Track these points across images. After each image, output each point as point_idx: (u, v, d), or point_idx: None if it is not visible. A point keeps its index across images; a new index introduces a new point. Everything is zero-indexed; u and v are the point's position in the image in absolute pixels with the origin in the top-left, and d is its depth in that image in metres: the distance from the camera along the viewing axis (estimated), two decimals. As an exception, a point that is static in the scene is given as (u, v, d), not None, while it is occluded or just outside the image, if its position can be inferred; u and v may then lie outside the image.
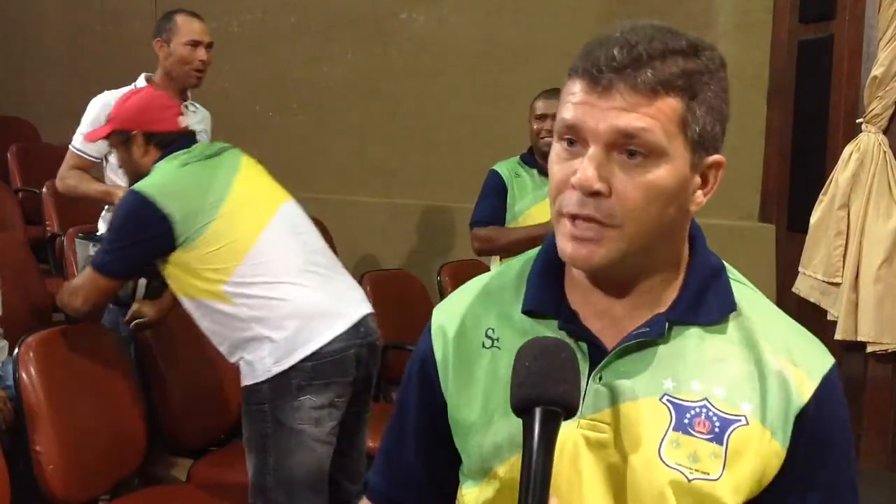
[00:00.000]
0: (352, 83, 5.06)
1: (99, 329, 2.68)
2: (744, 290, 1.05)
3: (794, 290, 3.66)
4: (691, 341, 1.00)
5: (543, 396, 0.87)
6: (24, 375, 2.32)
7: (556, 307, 1.02)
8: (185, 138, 2.45)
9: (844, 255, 3.47)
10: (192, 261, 2.31)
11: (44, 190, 4.52)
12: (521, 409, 0.88)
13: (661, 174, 0.92)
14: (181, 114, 2.52)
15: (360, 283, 3.51)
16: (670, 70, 0.92)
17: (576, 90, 0.94)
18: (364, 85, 5.03)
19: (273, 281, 2.32)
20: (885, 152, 3.39)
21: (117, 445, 2.54)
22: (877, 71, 3.35)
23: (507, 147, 3.63)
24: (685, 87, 0.92)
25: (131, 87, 3.20)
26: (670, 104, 0.92)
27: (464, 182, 4.21)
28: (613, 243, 0.93)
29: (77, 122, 3.30)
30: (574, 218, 0.94)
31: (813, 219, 3.56)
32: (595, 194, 0.92)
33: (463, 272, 3.71)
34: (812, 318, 3.54)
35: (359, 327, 2.41)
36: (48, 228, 4.50)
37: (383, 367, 2.87)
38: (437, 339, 1.10)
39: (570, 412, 0.88)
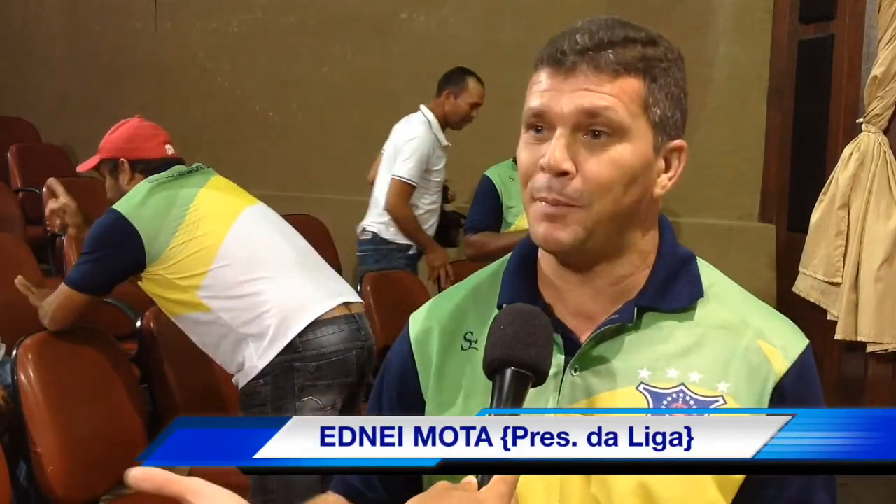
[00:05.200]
0: (352, 83, 5.06)
1: (98, 330, 2.68)
2: (715, 278, 1.06)
3: (794, 290, 3.66)
4: (664, 330, 1.01)
5: (514, 359, 0.86)
6: (22, 377, 2.32)
7: (531, 301, 1.03)
8: (168, 163, 2.51)
9: (844, 255, 3.47)
10: (164, 273, 2.37)
11: (44, 190, 4.51)
12: (493, 370, 0.87)
13: (624, 152, 0.96)
14: (168, 141, 2.59)
15: (360, 283, 3.53)
16: (631, 54, 0.96)
17: (541, 79, 0.99)
18: (364, 85, 5.03)
19: (245, 279, 2.36)
20: (885, 152, 3.39)
21: (118, 445, 2.54)
22: (877, 71, 3.34)
23: (506, 147, 3.58)
24: (645, 69, 0.97)
25: (417, 114, 3.71)
26: (632, 84, 0.96)
27: (463, 182, 4.21)
28: (581, 223, 0.96)
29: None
30: (544, 200, 0.96)
31: (813, 219, 3.56)
32: (563, 174, 0.95)
33: (463, 272, 3.69)
34: (812, 318, 3.54)
35: (359, 330, 2.44)
36: (48, 228, 4.48)
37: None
38: (419, 349, 1.10)
39: (540, 378, 0.88)
